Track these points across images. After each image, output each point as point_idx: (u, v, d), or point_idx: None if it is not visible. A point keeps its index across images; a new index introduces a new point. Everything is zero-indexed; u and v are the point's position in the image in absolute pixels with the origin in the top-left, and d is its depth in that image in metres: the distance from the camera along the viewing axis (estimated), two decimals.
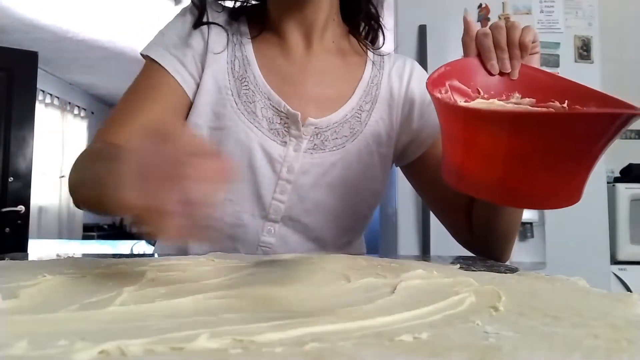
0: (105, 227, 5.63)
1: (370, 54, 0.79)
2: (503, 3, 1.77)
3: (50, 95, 4.58)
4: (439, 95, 0.54)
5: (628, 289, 1.77)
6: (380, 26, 0.81)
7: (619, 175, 2.09)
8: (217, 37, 0.73)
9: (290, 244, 0.72)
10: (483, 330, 0.26)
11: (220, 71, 0.71)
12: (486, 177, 0.50)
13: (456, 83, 0.59)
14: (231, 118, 0.70)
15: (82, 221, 5.04)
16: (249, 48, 0.73)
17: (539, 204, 0.55)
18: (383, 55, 0.80)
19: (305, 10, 0.72)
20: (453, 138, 0.53)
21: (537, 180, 0.48)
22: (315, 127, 0.71)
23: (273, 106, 0.71)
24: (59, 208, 4.67)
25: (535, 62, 0.62)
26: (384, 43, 0.82)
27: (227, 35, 0.73)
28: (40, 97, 4.31)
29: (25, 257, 0.62)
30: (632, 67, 2.33)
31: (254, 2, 0.78)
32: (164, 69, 0.69)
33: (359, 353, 0.21)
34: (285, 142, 0.71)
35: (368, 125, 0.74)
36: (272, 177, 0.70)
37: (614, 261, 1.81)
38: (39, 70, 2.85)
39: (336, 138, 0.72)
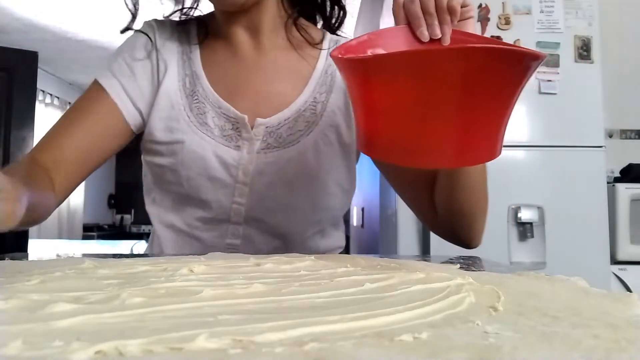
0: (105, 227, 5.63)
1: (325, 43, 0.79)
2: (503, 3, 1.77)
3: (50, 95, 4.58)
4: (335, 54, 0.49)
5: (628, 289, 1.77)
6: (343, 9, 0.81)
7: (619, 175, 2.09)
8: (167, 58, 0.75)
9: (256, 243, 0.74)
10: (483, 330, 0.26)
11: (172, 89, 0.74)
12: (392, 137, 0.47)
13: (381, 51, 0.55)
14: (184, 131, 0.72)
15: (82, 221, 5.04)
16: (197, 63, 0.75)
17: (453, 161, 0.50)
18: (338, 42, 0.80)
19: (251, 12, 0.73)
20: (355, 98, 0.49)
21: (444, 132, 0.45)
22: (267, 127, 0.72)
23: (223, 113, 0.72)
24: (59, 208, 4.65)
25: (469, 27, 0.60)
26: (337, 24, 0.82)
27: (177, 55, 0.76)
28: (40, 97, 4.30)
29: (25, 257, 0.62)
30: (632, 67, 2.33)
31: (198, 14, 0.79)
32: (109, 95, 0.72)
33: (359, 353, 0.21)
34: (239, 146, 0.72)
35: (324, 116, 0.74)
36: (230, 182, 0.72)
37: (614, 261, 1.81)
38: (39, 70, 2.86)
39: (291, 134, 0.73)
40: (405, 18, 0.58)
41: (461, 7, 0.57)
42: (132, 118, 0.74)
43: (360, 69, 0.46)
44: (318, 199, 0.75)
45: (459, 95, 0.43)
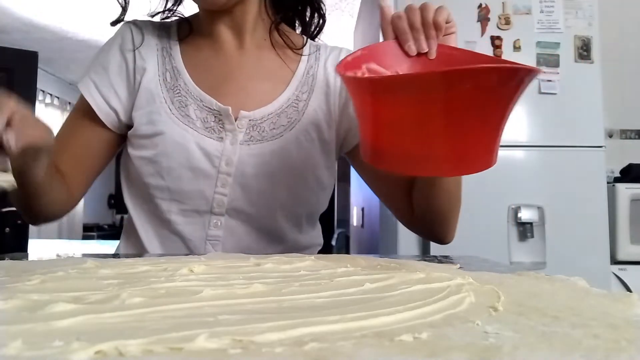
0: (105, 227, 5.63)
1: (306, 49, 0.82)
2: (503, 3, 1.77)
3: (50, 95, 4.58)
4: (348, 73, 0.54)
5: (628, 289, 1.77)
6: (322, 17, 0.84)
7: (619, 175, 2.09)
8: (146, 56, 0.77)
9: (238, 235, 0.75)
10: (483, 330, 0.26)
11: (152, 84, 0.75)
12: (397, 149, 0.51)
13: (374, 66, 0.59)
14: (166, 123, 0.73)
15: (82, 221, 5.04)
16: (178, 59, 0.78)
17: (451, 170, 0.55)
18: (319, 47, 0.84)
19: (234, 12, 0.75)
20: (363, 114, 0.53)
21: (442, 145, 0.48)
22: (250, 120, 0.74)
23: (205, 106, 0.74)
24: None
25: (452, 42, 0.63)
26: (318, 31, 0.85)
27: (156, 52, 0.78)
28: (40, 97, 4.30)
29: (25, 257, 0.62)
30: (632, 67, 2.33)
31: (180, 15, 0.82)
32: (87, 99, 0.75)
33: (359, 353, 0.21)
34: (222, 138, 0.74)
35: (306, 114, 0.77)
36: (212, 172, 0.73)
37: (614, 261, 1.81)
38: (39, 70, 2.86)
39: (274, 128, 0.75)
40: (393, 33, 0.61)
41: (445, 22, 0.60)
42: (106, 116, 0.76)
43: (368, 87, 0.50)
44: (298, 193, 0.77)
45: (456, 112, 0.46)
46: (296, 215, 0.79)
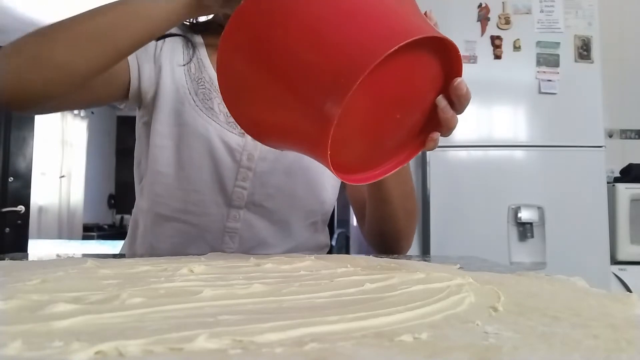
0: (105, 227, 5.63)
1: None
2: (503, 3, 1.77)
3: None
4: None
5: (628, 289, 1.77)
6: None
7: (619, 175, 2.09)
8: (172, 44, 0.76)
9: (255, 228, 0.76)
10: (483, 330, 0.26)
11: (177, 73, 0.75)
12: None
13: None
14: (190, 114, 0.74)
15: (82, 221, 5.04)
16: (203, 52, 0.78)
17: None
18: None
19: None
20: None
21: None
22: None
23: None
24: (59, 208, 4.67)
25: None
26: None
27: (181, 42, 0.77)
28: None
29: (25, 257, 0.62)
30: (632, 67, 2.33)
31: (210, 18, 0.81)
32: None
33: (359, 353, 0.21)
34: (243, 133, 0.74)
35: None
36: (233, 166, 0.74)
37: (614, 261, 1.81)
38: None
39: None
40: None
41: None
42: (134, 76, 0.73)
43: None
44: (314, 190, 0.79)
45: None
46: (310, 211, 0.80)
